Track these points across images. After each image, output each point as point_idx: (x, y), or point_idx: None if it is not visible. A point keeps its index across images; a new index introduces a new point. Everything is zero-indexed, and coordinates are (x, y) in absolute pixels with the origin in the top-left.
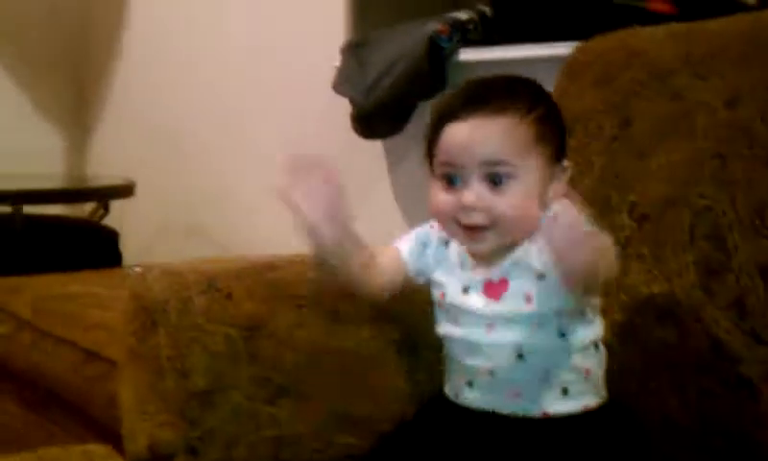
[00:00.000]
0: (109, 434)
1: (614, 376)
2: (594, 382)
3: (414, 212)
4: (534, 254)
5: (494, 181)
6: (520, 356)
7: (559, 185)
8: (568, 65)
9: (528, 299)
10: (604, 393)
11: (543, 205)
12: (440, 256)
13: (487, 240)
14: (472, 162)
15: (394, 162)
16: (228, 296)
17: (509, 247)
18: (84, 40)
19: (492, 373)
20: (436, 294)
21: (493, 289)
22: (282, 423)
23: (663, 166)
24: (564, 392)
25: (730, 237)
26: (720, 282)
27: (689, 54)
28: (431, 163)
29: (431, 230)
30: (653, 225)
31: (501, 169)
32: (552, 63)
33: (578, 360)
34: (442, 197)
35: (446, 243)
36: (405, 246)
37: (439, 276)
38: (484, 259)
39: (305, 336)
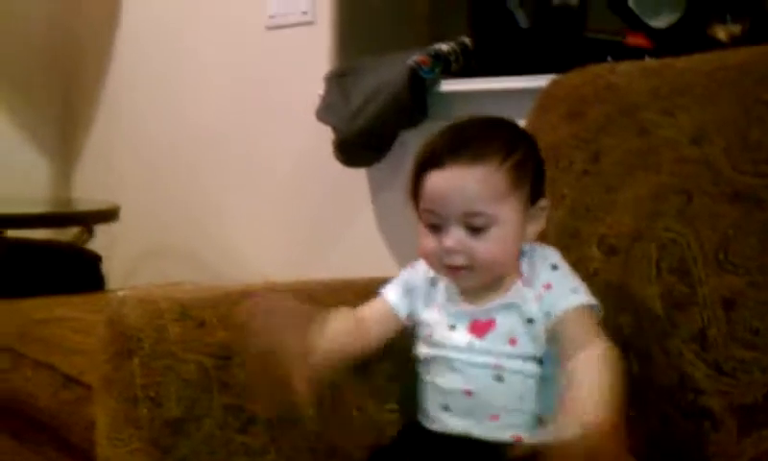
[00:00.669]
0: (87, 459)
1: None
2: None
3: (396, 240)
4: (529, 299)
5: (474, 227)
6: (499, 378)
7: (536, 225)
8: (541, 99)
9: (512, 341)
10: None
11: (521, 242)
12: (428, 297)
13: (469, 279)
14: (451, 211)
15: (376, 190)
16: (201, 324)
17: (499, 287)
18: (70, 64)
19: (469, 394)
20: (423, 333)
21: (479, 327)
22: (255, 451)
23: (630, 200)
24: (540, 420)
25: (694, 271)
26: (684, 315)
27: (658, 90)
28: (417, 207)
29: (416, 272)
30: (620, 257)
31: (478, 218)
32: (531, 95)
33: (556, 389)
34: (427, 241)
35: (433, 282)
36: (393, 294)
37: (427, 316)
38: (473, 298)
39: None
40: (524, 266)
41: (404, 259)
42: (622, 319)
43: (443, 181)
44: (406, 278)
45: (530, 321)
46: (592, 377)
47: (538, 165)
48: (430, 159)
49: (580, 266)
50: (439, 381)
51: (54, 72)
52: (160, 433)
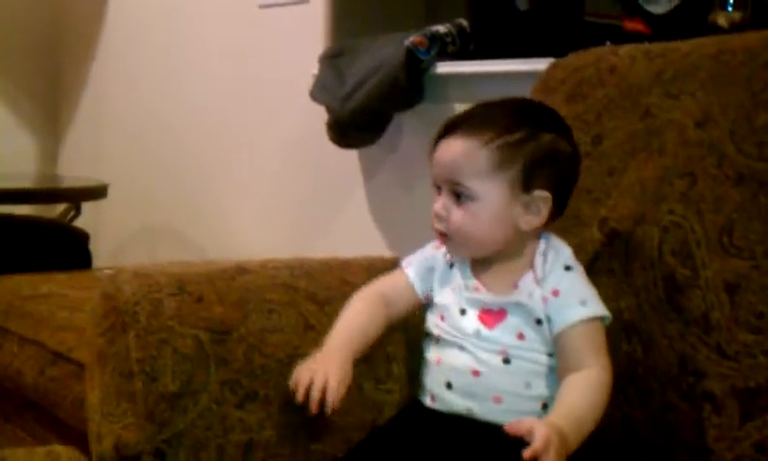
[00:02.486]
0: (75, 436)
1: None
2: None
3: (387, 221)
4: (537, 299)
5: (458, 196)
6: (507, 361)
7: (532, 216)
8: (543, 81)
9: (520, 336)
10: None
11: (514, 230)
12: (445, 279)
13: (452, 248)
14: (442, 179)
15: (369, 172)
16: (199, 299)
17: (508, 274)
18: (58, 41)
19: (476, 374)
20: (435, 313)
21: (490, 317)
22: (251, 428)
23: (633, 183)
24: (545, 407)
25: (697, 254)
26: (687, 298)
27: (661, 73)
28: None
29: (436, 251)
30: (622, 240)
31: (459, 189)
32: (528, 78)
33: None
34: (433, 205)
35: (452, 265)
36: (412, 272)
37: (441, 299)
38: (487, 284)
39: (276, 341)
40: (537, 260)
41: (396, 241)
42: (623, 302)
43: (442, 149)
44: (428, 256)
45: (539, 322)
46: (574, 402)
47: (547, 154)
48: (444, 128)
49: (581, 249)
50: (446, 359)
51: (41, 49)
52: (156, 408)
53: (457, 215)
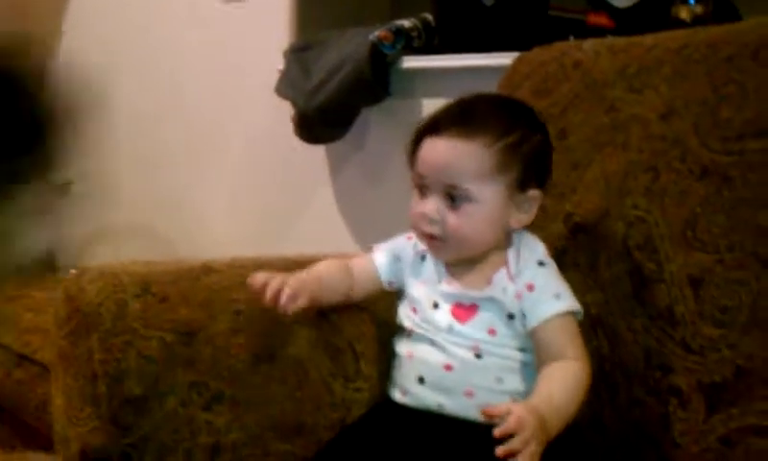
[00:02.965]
0: (42, 440)
1: None
2: None
3: (354, 217)
4: (510, 294)
5: (453, 198)
6: (478, 355)
7: (523, 214)
8: (508, 76)
9: (492, 332)
10: None
11: (504, 230)
12: (416, 270)
13: (441, 251)
14: (435, 180)
15: (335, 167)
16: (164, 299)
17: (482, 270)
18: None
19: (449, 368)
20: (407, 306)
21: (462, 312)
22: (219, 430)
23: (598, 177)
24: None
25: (661, 248)
26: (651, 293)
27: (625, 67)
28: (411, 170)
29: (408, 241)
30: (587, 235)
31: (458, 192)
32: (493, 73)
33: (532, 372)
34: (414, 204)
35: (423, 257)
36: (380, 257)
37: (412, 290)
38: (459, 278)
39: (243, 342)
40: (510, 255)
41: (362, 236)
42: (590, 297)
43: (433, 149)
44: (398, 245)
45: (510, 317)
46: (552, 389)
47: (538, 154)
48: (429, 126)
49: (547, 243)
50: (418, 353)
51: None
52: (120, 411)
53: (453, 218)
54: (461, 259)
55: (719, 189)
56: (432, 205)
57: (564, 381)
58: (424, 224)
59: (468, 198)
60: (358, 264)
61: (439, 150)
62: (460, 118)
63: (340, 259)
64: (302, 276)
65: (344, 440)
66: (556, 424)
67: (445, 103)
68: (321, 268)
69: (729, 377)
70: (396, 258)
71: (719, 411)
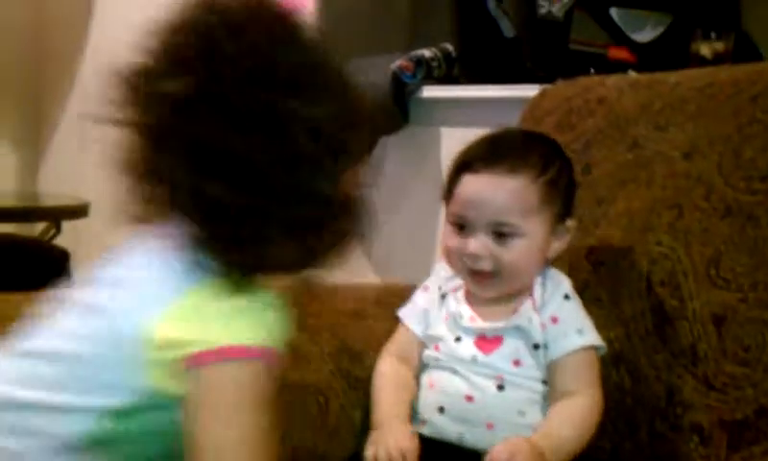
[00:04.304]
0: None
1: None
2: None
3: (371, 243)
4: (536, 324)
5: (500, 235)
6: (501, 387)
7: (560, 243)
8: (531, 109)
9: (516, 363)
10: None
11: (543, 259)
12: (439, 314)
13: (490, 287)
14: (481, 217)
15: None
16: None
17: (508, 304)
18: (39, 56)
19: (470, 399)
20: (429, 342)
21: (486, 344)
22: None
23: (622, 213)
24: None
25: (685, 285)
26: (674, 329)
27: (649, 104)
28: (447, 206)
29: (428, 294)
30: (610, 270)
31: (506, 228)
32: (513, 104)
33: None
34: (452, 241)
35: (443, 297)
36: (413, 323)
37: (434, 330)
38: (481, 313)
39: None
40: (536, 287)
41: (380, 263)
42: (612, 332)
43: (477, 186)
44: (421, 303)
45: (536, 347)
46: (557, 422)
47: (569, 184)
48: (468, 163)
49: (569, 277)
50: (439, 382)
51: (22, 64)
52: None
53: (508, 254)
54: (499, 295)
55: (743, 228)
56: (478, 242)
57: (571, 417)
58: (471, 261)
59: (516, 233)
60: (402, 345)
61: (483, 187)
62: (499, 155)
63: (390, 363)
64: (394, 420)
65: None
66: (554, 457)
67: (464, 132)
68: (392, 393)
69: (750, 416)
70: (425, 313)
71: (740, 449)
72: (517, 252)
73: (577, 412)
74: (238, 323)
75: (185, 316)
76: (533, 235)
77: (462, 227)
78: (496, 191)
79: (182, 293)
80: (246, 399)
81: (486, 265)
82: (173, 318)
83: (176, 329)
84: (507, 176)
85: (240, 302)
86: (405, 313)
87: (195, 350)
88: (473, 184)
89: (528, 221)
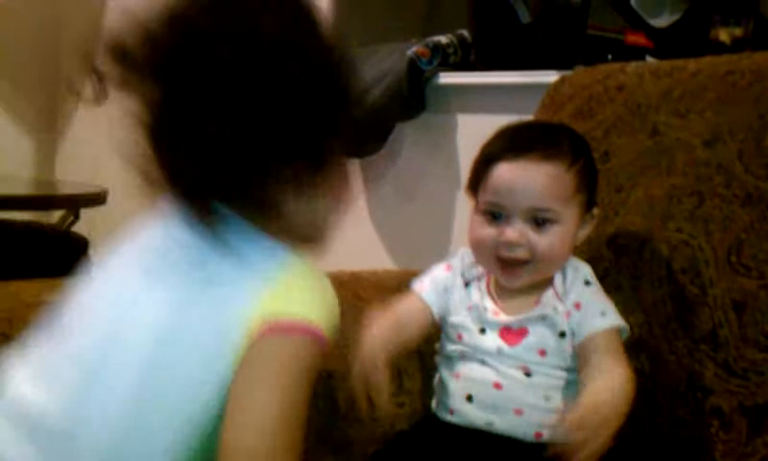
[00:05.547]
0: None
1: None
2: None
3: (388, 232)
4: (561, 312)
5: (537, 222)
6: (528, 374)
7: (584, 232)
8: (550, 96)
9: (542, 352)
10: None
11: (573, 247)
12: (462, 300)
13: (522, 276)
14: (517, 204)
15: (369, 182)
16: None
17: (531, 294)
18: (56, 44)
19: (498, 387)
20: (452, 334)
21: (511, 335)
22: None
23: (642, 200)
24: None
25: (705, 272)
26: (695, 315)
27: (669, 92)
28: (475, 197)
29: (449, 272)
30: (630, 257)
31: (544, 214)
32: (529, 91)
33: (576, 390)
34: (484, 230)
35: (468, 285)
36: (427, 293)
37: (457, 319)
38: (505, 305)
39: None
40: (557, 277)
41: (396, 252)
42: (633, 319)
43: (513, 173)
44: (440, 276)
45: (562, 335)
46: (604, 395)
47: (594, 174)
48: (500, 152)
49: (589, 265)
50: (466, 372)
51: (40, 52)
52: None
53: (544, 241)
54: (529, 284)
55: (763, 215)
56: (515, 230)
57: (612, 383)
58: (504, 249)
59: (554, 220)
60: (407, 308)
61: (519, 173)
62: (531, 142)
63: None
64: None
65: (390, 452)
66: (612, 413)
67: (480, 119)
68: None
69: None
70: (445, 290)
71: (761, 434)
72: (554, 239)
73: (615, 379)
74: (315, 302)
75: (278, 292)
76: (568, 222)
77: (495, 216)
78: (535, 177)
79: (270, 271)
80: (302, 374)
81: (521, 253)
82: (270, 295)
83: (271, 304)
84: (544, 162)
85: (316, 283)
86: (421, 287)
87: (276, 319)
88: (509, 172)
89: (564, 207)
